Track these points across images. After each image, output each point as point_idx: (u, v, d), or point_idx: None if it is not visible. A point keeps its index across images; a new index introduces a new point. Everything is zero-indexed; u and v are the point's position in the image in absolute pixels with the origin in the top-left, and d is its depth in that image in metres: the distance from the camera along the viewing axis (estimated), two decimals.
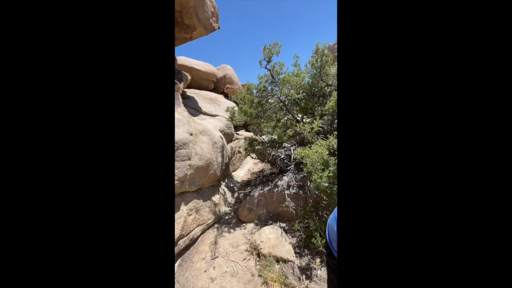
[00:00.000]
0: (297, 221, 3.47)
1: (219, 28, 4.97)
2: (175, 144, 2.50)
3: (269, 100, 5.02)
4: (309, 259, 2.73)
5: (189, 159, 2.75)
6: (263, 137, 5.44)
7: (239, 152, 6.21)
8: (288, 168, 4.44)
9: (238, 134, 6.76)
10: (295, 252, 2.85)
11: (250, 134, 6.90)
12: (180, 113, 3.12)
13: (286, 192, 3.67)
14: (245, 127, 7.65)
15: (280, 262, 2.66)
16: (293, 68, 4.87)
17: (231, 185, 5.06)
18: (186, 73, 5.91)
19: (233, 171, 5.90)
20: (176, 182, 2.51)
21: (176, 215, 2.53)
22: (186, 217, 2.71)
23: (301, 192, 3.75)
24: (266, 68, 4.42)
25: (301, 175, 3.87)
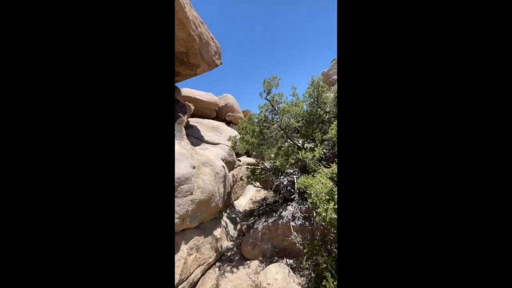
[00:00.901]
0: (305, 257, 3.23)
1: (221, 64, 5.38)
2: (178, 180, 2.49)
3: (270, 127, 5.15)
4: None
5: (191, 193, 2.70)
6: (266, 164, 5.42)
7: (241, 179, 6.12)
8: (292, 196, 4.31)
9: (239, 161, 6.75)
10: None
11: (252, 160, 6.89)
12: (184, 146, 3.18)
13: (292, 224, 3.50)
14: (247, 152, 7.69)
15: None
16: (291, 98, 5.12)
17: (233, 215, 4.86)
18: (190, 104, 6.20)
19: (235, 200, 5.72)
20: (176, 220, 2.42)
21: (176, 257, 2.37)
22: (186, 257, 2.54)
23: (307, 223, 3.58)
24: (266, 99, 4.65)
25: (306, 205, 3.73)
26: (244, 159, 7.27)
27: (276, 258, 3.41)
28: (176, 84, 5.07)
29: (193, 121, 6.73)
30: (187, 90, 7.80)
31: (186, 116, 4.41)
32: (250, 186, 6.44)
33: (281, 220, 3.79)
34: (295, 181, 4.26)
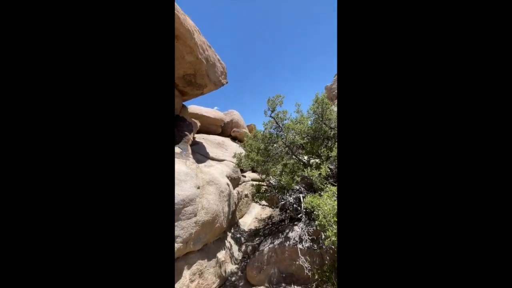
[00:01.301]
0: (314, 284, 3.02)
1: (227, 83, 5.58)
2: (182, 202, 2.46)
3: (275, 145, 5.14)
4: None
5: (195, 215, 2.66)
6: (271, 180, 5.33)
7: (246, 196, 6.00)
8: (299, 215, 4.16)
9: (244, 176, 6.68)
10: None
11: (257, 175, 6.81)
12: (189, 166, 3.20)
13: (299, 246, 3.33)
14: (252, 167, 7.62)
15: None
16: (296, 115, 5.16)
17: (238, 235, 4.70)
18: (196, 121, 6.35)
19: (239, 218, 5.57)
20: (179, 244, 2.36)
21: (177, 285, 2.26)
22: (189, 284, 2.42)
23: (315, 246, 3.39)
24: (270, 116, 4.71)
25: (314, 227, 3.57)
26: (249, 174, 7.19)
27: (283, 284, 3.20)
28: (183, 103, 5.25)
29: (199, 137, 6.84)
30: (194, 107, 8.05)
31: (192, 134, 4.49)
32: (255, 203, 6.29)
33: (287, 242, 3.62)
34: (302, 200, 4.13)
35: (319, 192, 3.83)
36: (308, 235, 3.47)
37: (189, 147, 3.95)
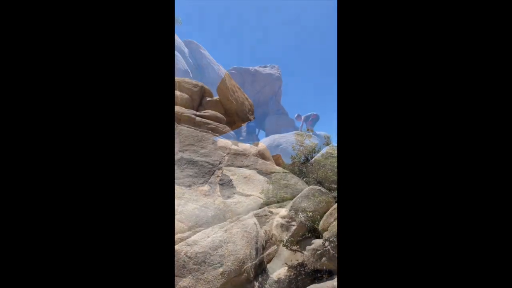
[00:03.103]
0: None
1: (254, 118, 5.82)
2: (209, 250, 2.30)
3: (304, 179, 4.83)
4: None
5: (221, 265, 2.42)
6: (301, 218, 4.83)
7: (273, 236, 5.48)
8: None
9: (271, 213, 6.25)
10: None
11: (285, 212, 6.30)
12: (218, 206, 3.12)
13: None
14: (279, 202, 7.16)
15: None
16: (325, 147, 4.91)
17: (267, 287, 4.10)
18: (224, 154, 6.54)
19: (267, 263, 4.98)
20: None
21: None
22: None
23: None
24: (299, 151, 4.57)
25: None
26: (277, 210, 6.73)
27: None
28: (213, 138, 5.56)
29: (226, 170, 6.93)
30: (220, 140, 8.46)
31: (221, 171, 4.56)
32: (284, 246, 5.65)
33: None
34: None
35: None
36: None
37: (217, 184, 3.95)
